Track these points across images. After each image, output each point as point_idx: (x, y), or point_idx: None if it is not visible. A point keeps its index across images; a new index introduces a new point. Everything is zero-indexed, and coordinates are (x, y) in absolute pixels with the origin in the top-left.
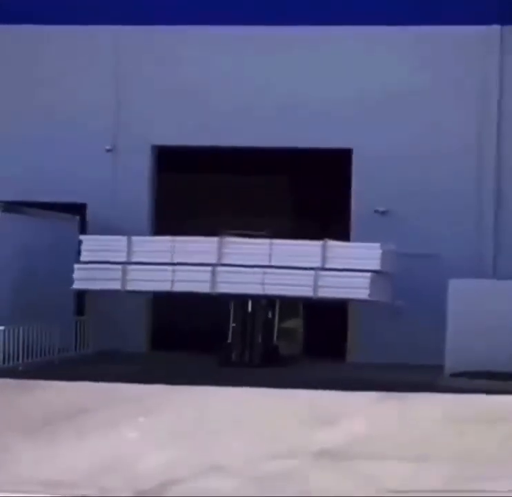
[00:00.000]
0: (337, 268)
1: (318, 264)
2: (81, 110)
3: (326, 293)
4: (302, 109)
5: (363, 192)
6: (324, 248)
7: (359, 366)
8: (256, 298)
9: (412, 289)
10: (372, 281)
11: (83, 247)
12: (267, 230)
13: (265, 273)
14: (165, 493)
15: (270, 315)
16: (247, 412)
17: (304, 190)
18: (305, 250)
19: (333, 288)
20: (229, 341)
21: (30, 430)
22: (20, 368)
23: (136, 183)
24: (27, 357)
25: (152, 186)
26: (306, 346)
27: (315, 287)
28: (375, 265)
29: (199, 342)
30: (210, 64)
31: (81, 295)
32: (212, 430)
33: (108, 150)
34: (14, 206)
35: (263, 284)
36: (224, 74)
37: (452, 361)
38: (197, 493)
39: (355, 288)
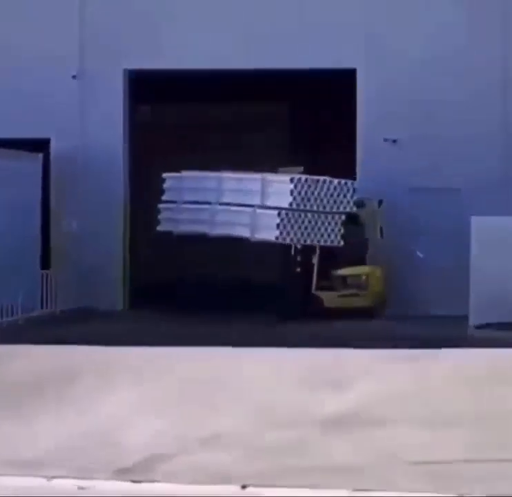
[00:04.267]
0: (258, 205)
1: (257, 202)
2: (42, 33)
3: (255, 233)
4: (300, 27)
5: (371, 118)
6: (263, 182)
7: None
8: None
9: (431, 226)
10: (285, 221)
11: (165, 186)
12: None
13: None
14: (151, 471)
15: (313, 261)
16: (243, 374)
17: (305, 118)
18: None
19: (259, 228)
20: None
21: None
22: None
23: (108, 115)
24: None
25: (126, 118)
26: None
27: (252, 228)
28: (285, 202)
29: (176, 296)
30: None
31: (45, 244)
32: (206, 395)
33: (74, 77)
34: None
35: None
36: None
37: (476, 310)
38: (188, 469)
39: (267, 228)
